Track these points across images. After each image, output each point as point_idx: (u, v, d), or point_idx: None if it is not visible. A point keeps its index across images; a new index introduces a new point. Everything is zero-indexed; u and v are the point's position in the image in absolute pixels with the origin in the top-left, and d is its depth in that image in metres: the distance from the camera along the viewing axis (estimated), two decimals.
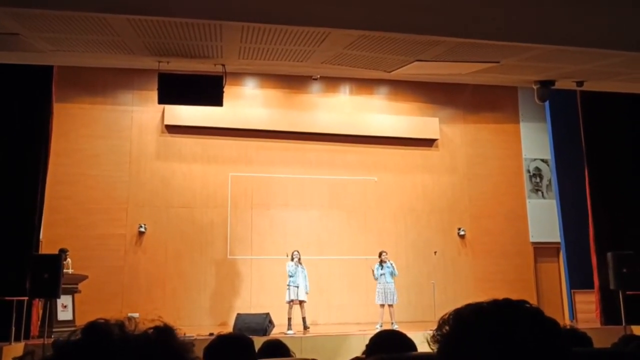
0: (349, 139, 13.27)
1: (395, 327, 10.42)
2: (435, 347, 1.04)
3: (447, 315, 1.05)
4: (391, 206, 13.31)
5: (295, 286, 10.76)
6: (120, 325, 0.79)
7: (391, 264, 11.24)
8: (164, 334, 0.79)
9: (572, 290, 12.81)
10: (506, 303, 1.03)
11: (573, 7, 6.99)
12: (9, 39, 7.11)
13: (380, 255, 11.32)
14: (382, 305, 11.11)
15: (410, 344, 2.73)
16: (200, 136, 12.63)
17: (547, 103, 11.90)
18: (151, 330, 0.79)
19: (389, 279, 11.12)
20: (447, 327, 1.03)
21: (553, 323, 1.02)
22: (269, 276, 12.15)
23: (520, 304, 1.03)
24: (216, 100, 8.53)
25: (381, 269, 11.18)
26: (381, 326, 10.66)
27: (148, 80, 10.87)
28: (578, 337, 3.27)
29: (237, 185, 12.71)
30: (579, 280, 12.67)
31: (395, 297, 11.10)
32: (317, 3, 6.56)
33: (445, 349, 1.02)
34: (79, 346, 0.76)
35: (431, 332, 1.08)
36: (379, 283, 11.13)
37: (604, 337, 6.17)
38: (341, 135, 13.22)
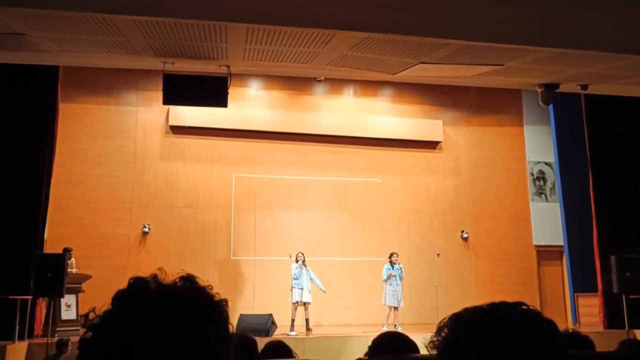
0: (353, 141, 13.28)
1: (399, 329, 10.42)
2: (433, 352, 1.04)
3: (445, 320, 1.05)
4: (394, 208, 13.31)
5: (300, 288, 10.78)
6: (154, 276, 0.97)
7: (400, 267, 11.24)
8: (189, 280, 0.99)
9: (575, 294, 12.77)
10: (503, 305, 1.04)
11: (578, 10, 6.99)
12: (15, 39, 7.15)
13: (391, 256, 11.32)
14: (391, 307, 11.10)
15: (412, 346, 2.73)
16: (205, 137, 12.66)
17: (551, 106, 11.88)
18: (178, 279, 0.99)
19: (398, 281, 11.13)
20: (445, 331, 1.04)
21: (551, 324, 1.02)
22: (272, 277, 12.17)
23: (517, 305, 1.04)
24: (221, 101, 8.55)
25: (392, 271, 11.18)
26: (387, 328, 10.66)
27: (153, 81, 10.89)
28: (580, 341, 3.27)
29: (240, 186, 12.72)
30: (582, 283, 12.63)
31: (402, 300, 11.12)
32: (322, 5, 6.58)
33: (444, 352, 1.03)
34: (126, 298, 0.95)
35: (429, 336, 1.08)
36: (390, 284, 11.11)
37: (606, 341, 6.16)
38: (345, 137, 13.23)
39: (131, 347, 0.90)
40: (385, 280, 11.16)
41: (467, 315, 1.04)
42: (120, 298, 0.95)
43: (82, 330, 1.00)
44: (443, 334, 1.04)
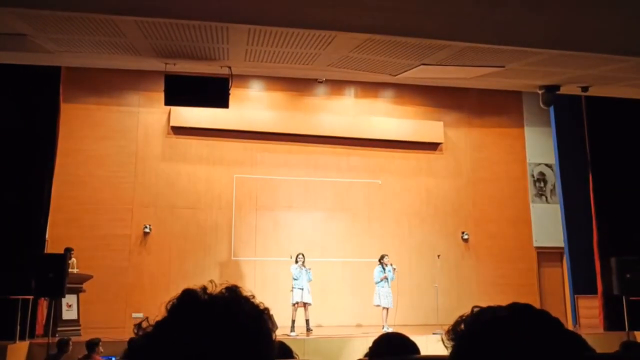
0: (354, 142, 13.29)
1: (390, 330, 10.44)
2: (449, 345, 1.05)
3: (465, 315, 1.06)
4: (395, 209, 13.32)
5: (300, 289, 10.80)
6: (204, 288, 1.06)
7: (392, 269, 11.25)
8: (234, 290, 1.08)
9: (575, 295, 12.78)
10: (525, 312, 1.04)
11: (578, 12, 7.00)
12: (17, 40, 7.16)
13: (381, 258, 11.33)
14: (384, 308, 11.11)
15: (413, 347, 2.73)
16: (206, 138, 12.67)
17: (551, 108, 11.90)
18: (224, 290, 1.07)
19: (389, 282, 11.16)
20: (462, 326, 1.04)
21: (575, 337, 1.03)
22: (273, 278, 12.18)
23: (541, 313, 1.04)
24: (222, 102, 8.57)
25: (383, 273, 11.19)
26: (387, 328, 10.71)
27: (154, 81, 10.89)
28: None
29: (241, 187, 12.74)
30: (582, 285, 12.64)
31: (391, 302, 11.13)
32: (324, 6, 6.59)
33: (458, 348, 1.03)
34: (178, 308, 1.03)
35: (445, 330, 1.08)
36: (382, 287, 11.13)
37: (606, 343, 6.18)
38: (346, 138, 13.24)
39: (185, 354, 0.97)
40: (378, 283, 11.17)
41: (485, 316, 1.03)
42: (172, 308, 1.03)
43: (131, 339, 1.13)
44: (460, 329, 1.04)
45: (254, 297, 1.09)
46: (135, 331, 1.03)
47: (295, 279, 10.87)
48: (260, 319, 1.06)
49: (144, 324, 1.04)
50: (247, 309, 1.05)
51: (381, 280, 11.14)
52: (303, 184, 13.01)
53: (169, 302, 1.05)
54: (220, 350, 0.97)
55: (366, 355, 2.80)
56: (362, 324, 11.89)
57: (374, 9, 6.62)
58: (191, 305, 1.03)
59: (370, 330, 10.67)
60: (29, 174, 10.10)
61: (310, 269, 11.04)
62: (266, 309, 1.09)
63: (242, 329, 1.01)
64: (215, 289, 1.07)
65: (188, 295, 1.04)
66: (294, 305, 10.79)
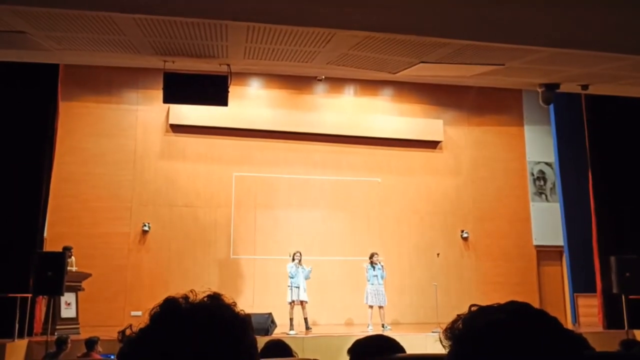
0: (353, 140, 13.27)
1: (388, 328, 10.47)
2: (446, 344, 1.04)
3: (465, 314, 1.04)
4: (395, 207, 13.31)
5: (296, 287, 10.79)
6: (186, 297, 1.06)
7: (381, 266, 11.26)
8: (216, 298, 1.08)
9: (574, 294, 12.78)
10: (523, 311, 1.01)
11: (578, 10, 6.98)
12: (15, 37, 7.15)
13: (371, 257, 11.35)
14: (371, 307, 11.12)
15: (394, 346, 2.63)
16: (205, 136, 12.65)
17: (551, 106, 11.88)
18: (206, 297, 1.07)
19: (380, 280, 11.17)
20: (459, 326, 1.02)
21: (574, 336, 1.00)
22: (272, 276, 12.16)
23: (539, 312, 1.01)
24: (221, 100, 8.57)
25: (373, 271, 11.21)
26: (372, 327, 10.73)
27: (153, 79, 10.88)
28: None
29: (240, 185, 12.72)
30: (581, 283, 12.64)
31: (385, 299, 11.12)
32: (323, 4, 6.57)
33: (456, 352, 1.02)
34: (160, 316, 1.04)
35: (442, 329, 1.07)
36: (372, 284, 11.16)
37: (606, 341, 6.18)
38: (345, 136, 13.22)
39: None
40: (368, 280, 11.21)
41: (483, 316, 1.02)
42: (154, 316, 1.05)
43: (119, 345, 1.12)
44: (457, 328, 1.03)
45: (235, 304, 1.09)
46: (119, 338, 1.07)
47: (291, 277, 10.85)
48: (243, 326, 1.06)
49: (128, 332, 1.06)
50: (229, 316, 1.06)
51: (371, 278, 11.15)
52: (302, 182, 12.99)
53: (152, 309, 1.06)
54: (203, 358, 0.99)
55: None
56: (361, 322, 11.86)
57: (374, 7, 6.61)
58: (173, 314, 1.04)
59: (369, 329, 10.67)
60: (28, 172, 10.07)
61: (307, 267, 11.02)
62: (248, 316, 1.09)
63: (224, 337, 1.02)
64: (196, 297, 1.08)
65: (170, 304, 1.06)
66: (290, 303, 10.78)
